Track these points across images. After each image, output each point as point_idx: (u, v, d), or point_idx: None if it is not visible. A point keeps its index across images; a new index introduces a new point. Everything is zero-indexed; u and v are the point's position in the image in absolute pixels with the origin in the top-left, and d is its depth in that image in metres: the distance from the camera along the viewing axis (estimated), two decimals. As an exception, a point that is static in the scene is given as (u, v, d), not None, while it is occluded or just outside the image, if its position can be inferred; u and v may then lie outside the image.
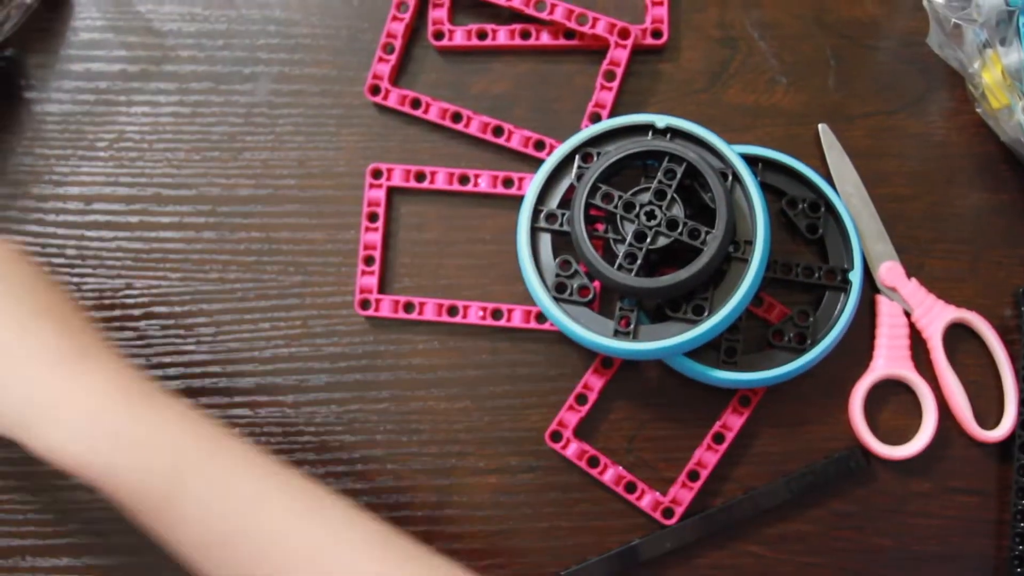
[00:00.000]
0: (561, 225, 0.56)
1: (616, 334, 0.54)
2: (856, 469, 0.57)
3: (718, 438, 0.57)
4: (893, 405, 0.58)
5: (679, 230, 0.54)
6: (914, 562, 0.57)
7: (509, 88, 0.60)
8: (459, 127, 0.59)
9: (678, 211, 0.54)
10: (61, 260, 0.60)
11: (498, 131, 0.59)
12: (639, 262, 0.54)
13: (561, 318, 0.55)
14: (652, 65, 0.60)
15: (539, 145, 0.59)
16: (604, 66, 0.59)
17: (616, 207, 0.55)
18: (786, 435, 0.58)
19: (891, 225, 0.59)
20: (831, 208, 0.57)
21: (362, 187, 0.59)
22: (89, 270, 0.60)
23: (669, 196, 0.54)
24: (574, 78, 0.60)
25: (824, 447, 0.58)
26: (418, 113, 0.59)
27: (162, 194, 0.60)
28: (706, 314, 0.54)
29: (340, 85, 0.61)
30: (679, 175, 0.54)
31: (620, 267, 0.54)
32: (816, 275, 0.57)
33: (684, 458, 0.57)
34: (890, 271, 0.58)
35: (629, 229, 0.54)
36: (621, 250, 0.54)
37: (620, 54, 0.59)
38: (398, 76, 0.61)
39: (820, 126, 0.59)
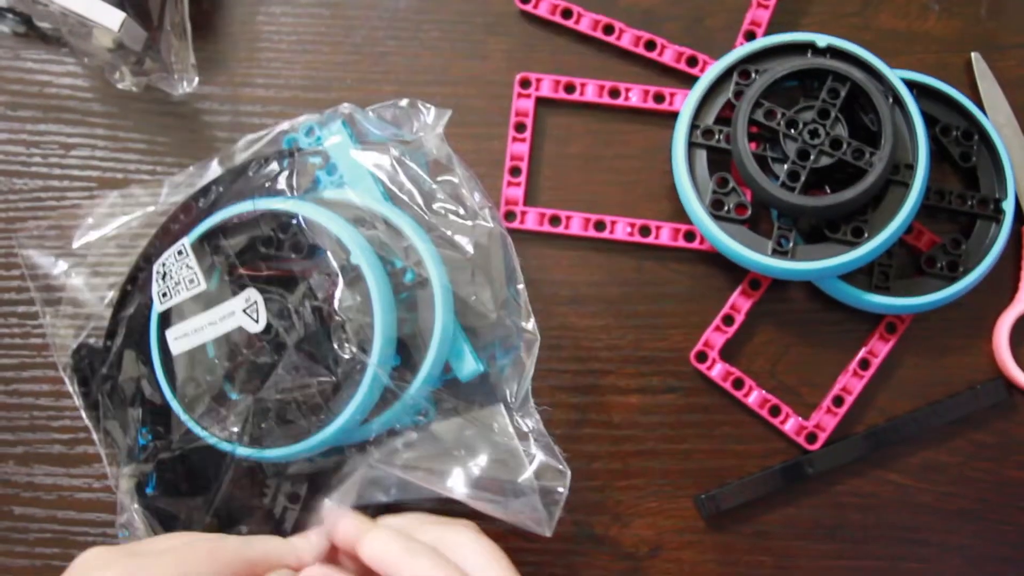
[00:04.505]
0: (718, 141, 0.55)
1: (774, 253, 0.54)
2: (998, 401, 0.57)
3: (864, 364, 0.56)
4: (1038, 338, 0.58)
5: (843, 150, 0.53)
6: (1051, 496, 0.57)
7: (660, 2, 0.59)
8: (610, 39, 0.58)
9: (841, 131, 0.54)
10: (193, 161, 0.58)
11: (650, 45, 0.58)
12: (802, 180, 0.53)
13: (719, 235, 0.54)
14: (805, -15, 0.59)
15: (691, 61, 0.58)
16: (759, -17, 0.58)
17: (779, 124, 0.54)
18: (929, 364, 0.57)
19: (1040, 157, 0.58)
20: (984, 137, 0.57)
21: (508, 97, 0.58)
22: (222, 172, 0.58)
23: (833, 115, 0.53)
24: (727, -5, 0.59)
25: (967, 377, 0.57)
26: (569, 23, 0.58)
27: (299, 97, 0.58)
28: (865, 236, 0.53)
29: (488, -8, 0.59)
30: (843, 95, 0.54)
31: (784, 185, 0.53)
32: (969, 203, 0.56)
33: (825, 384, 0.57)
34: (1040, 203, 0.57)
35: (792, 147, 0.53)
36: (782, 169, 0.53)
37: (776, -28, 0.58)
38: (547, -15, 0.59)
39: (972, 54, 0.58)
